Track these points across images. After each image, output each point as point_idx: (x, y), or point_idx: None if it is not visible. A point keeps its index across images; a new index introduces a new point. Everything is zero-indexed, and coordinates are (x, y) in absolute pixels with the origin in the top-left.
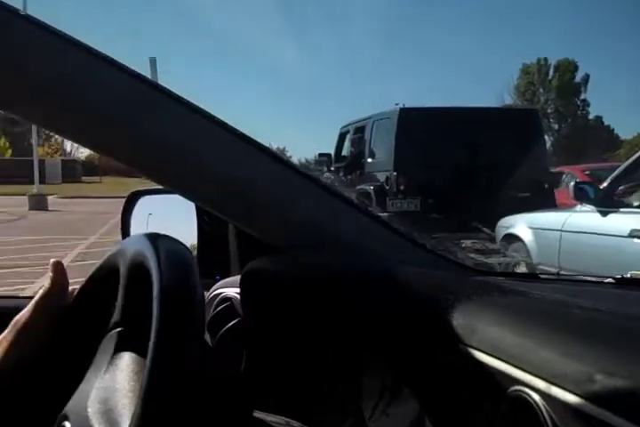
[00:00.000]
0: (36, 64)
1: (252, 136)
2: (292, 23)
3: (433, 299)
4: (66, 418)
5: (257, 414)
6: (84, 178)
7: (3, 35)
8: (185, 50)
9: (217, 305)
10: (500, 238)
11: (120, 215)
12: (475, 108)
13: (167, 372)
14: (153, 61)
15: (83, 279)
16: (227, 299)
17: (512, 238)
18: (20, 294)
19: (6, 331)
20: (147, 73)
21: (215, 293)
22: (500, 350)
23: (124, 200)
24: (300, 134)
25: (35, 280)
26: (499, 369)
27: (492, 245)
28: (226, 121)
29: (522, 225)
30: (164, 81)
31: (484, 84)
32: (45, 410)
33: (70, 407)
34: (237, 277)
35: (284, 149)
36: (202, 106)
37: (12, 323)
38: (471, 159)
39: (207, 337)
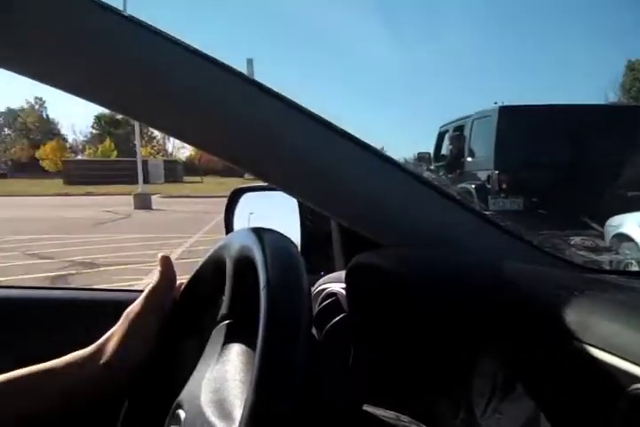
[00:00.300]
0: (140, 64)
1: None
2: (389, 22)
3: (544, 295)
4: (180, 407)
5: (366, 407)
6: (185, 178)
7: (103, 33)
8: (282, 51)
9: (322, 300)
10: (610, 238)
11: (222, 214)
12: (577, 105)
13: (277, 364)
14: (250, 62)
15: (187, 276)
16: (332, 294)
17: (622, 238)
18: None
19: (119, 323)
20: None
21: (320, 288)
22: (617, 346)
23: (225, 199)
24: (399, 133)
25: (142, 277)
26: (616, 366)
27: (602, 242)
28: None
29: (633, 224)
30: (261, 81)
31: (587, 82)
32: (159, 399)
33: (184, 397)
34: (342, 273)
35: (383, 148)
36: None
37: (124, 315)
38: (575, 157)
39: (314, 331)
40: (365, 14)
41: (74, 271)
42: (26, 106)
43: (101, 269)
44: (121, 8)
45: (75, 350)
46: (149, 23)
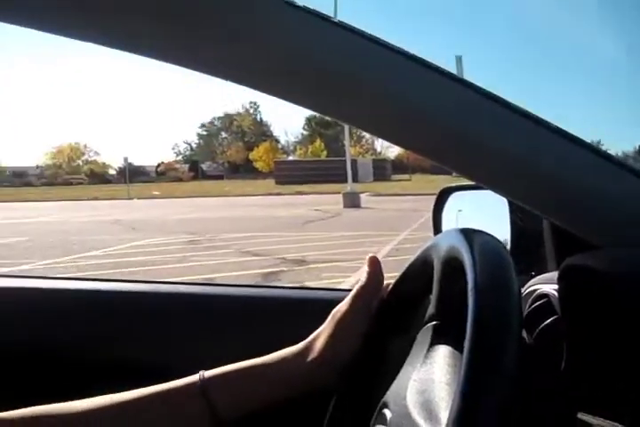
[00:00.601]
0: (350, 67)
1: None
2: (612, 20)
3: None
4: (386, 406)
5: (581, 416)
6: (393, 176)
7: (319, 40)
8: (492, 46)
9: (533, 302)
10: None
11: (430, 212)
12: None
13: (484, 368)
14: (459, 59)
15: (395, 274)
16: (543, 295)
17: None
18: (338, 287)
19: (326, 321)
20: (452, 70)
21: (531, 289)
22: None
23: (433, 197)
24: (615, 126)
25: (351, 274)
26: None
27: None
28: (541, 116)
29: None
30: (470, 79)
31: None
32: (365, 397)
33: (389, 396)
34: (554, 274)
35: (599, 141)
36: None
37: (332, 314)
38: None
39: (524, 334)
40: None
41: (285, 268)
42: (241, 110)
43: (311, 266)
44: (332, 14)
45: (284, 347)
46: (360, 28)
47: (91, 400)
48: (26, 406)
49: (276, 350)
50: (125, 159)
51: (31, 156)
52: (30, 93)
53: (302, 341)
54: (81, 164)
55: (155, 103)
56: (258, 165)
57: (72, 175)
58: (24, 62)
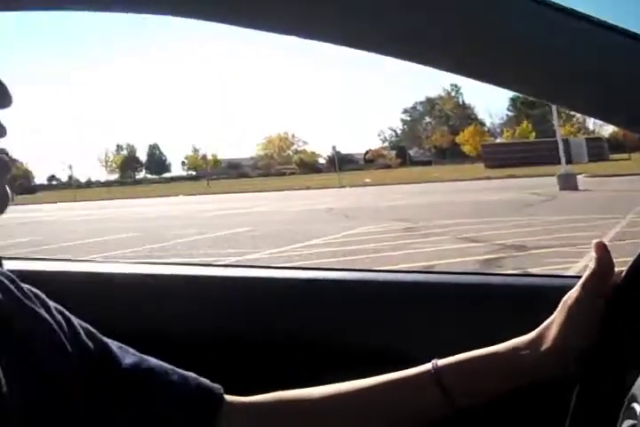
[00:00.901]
0: (557, 47)
1: None
2: None
3: None
4: (635, 399)
5: None
6: (610, 156)
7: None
8: None
9: None
10: None
11: None
12: None
13: None
14: None
15: (626, 259)
16: None
17: None
18: (565, 273)
19: (558, 309)
20: None
21: None
22: None
23: None
24: None
25: (577, 260)
26: None
27: None
28: None
29: None
30: None
31: None
32: (609, 387)
33: (637, 389)
34: None
35: None
36: None
37: (563, 301)
38: None
39: None
40: None
41: (504, 255)
42: (443, 93)
43: (532, 252)
44: None
45: (512, 335)
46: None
47: (326, 388)
48: (264, 391)
49: (504, 338)
50: (334, 148)
51: (244, 147)
52: (243, 86)
53: (531, 329)
54: (291, 153)
55: (357, 90)
56: (465, 148)
57: (284, 165)
58: (234, 56)
